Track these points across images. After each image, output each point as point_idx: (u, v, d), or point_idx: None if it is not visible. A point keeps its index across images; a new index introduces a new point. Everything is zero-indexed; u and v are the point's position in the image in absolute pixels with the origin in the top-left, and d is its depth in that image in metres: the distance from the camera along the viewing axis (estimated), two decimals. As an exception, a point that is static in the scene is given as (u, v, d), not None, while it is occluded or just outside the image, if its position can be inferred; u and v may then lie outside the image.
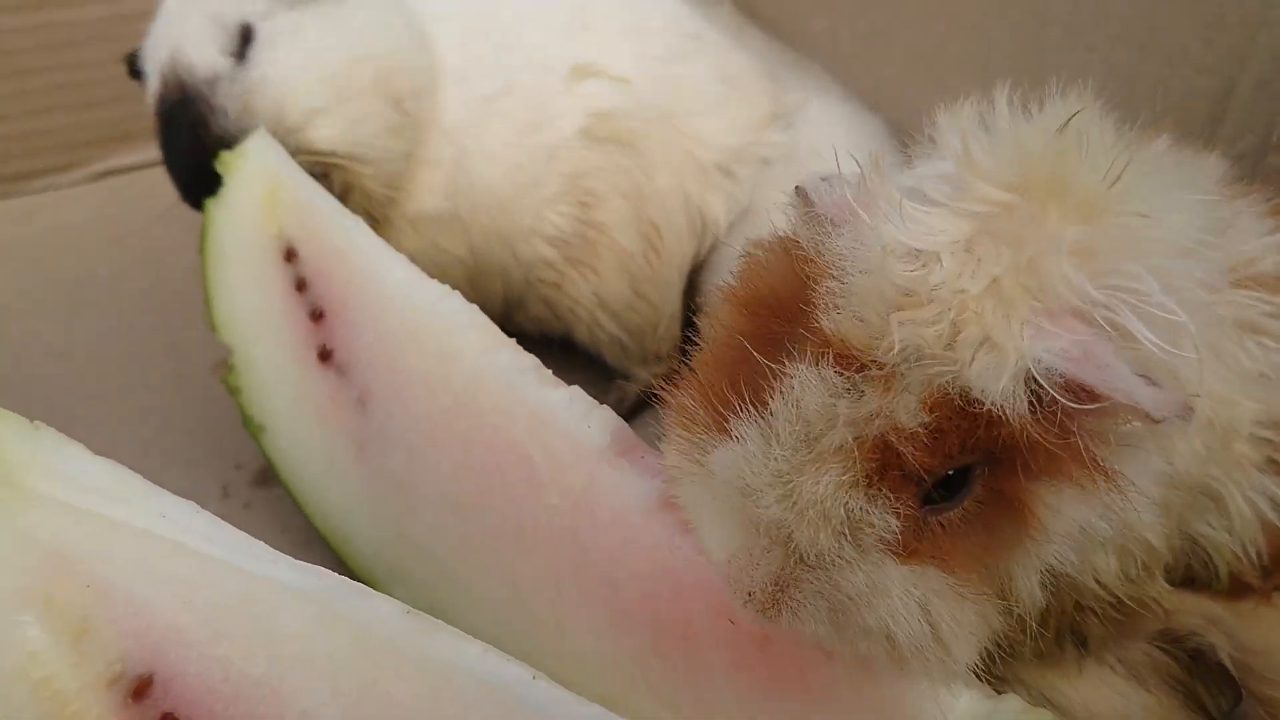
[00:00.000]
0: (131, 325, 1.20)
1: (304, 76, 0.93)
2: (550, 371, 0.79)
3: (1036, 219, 0.50)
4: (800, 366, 0.52)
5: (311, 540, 0.83)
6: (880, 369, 0.50)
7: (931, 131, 0.59)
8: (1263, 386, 0.63)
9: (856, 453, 0.51)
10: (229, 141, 0.90)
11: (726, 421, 0.56)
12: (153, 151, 1.38)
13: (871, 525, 0.51)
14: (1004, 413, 0.48)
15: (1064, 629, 0.67)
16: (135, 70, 1.01)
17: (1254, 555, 0.66)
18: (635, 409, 1.11)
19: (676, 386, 0.61)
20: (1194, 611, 0.67)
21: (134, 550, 0.61)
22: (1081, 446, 0.50)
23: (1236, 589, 0.68)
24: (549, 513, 0.73)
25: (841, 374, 0.51)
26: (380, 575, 0.79)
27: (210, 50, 0.92)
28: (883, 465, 0.51)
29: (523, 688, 0.59)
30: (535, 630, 0.72)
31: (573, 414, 0.76)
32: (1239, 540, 0.65)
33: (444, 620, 0.67)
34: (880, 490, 0.51)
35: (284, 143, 0.90)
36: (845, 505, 0.51)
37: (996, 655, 0.60)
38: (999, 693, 0.64)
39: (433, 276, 0.85)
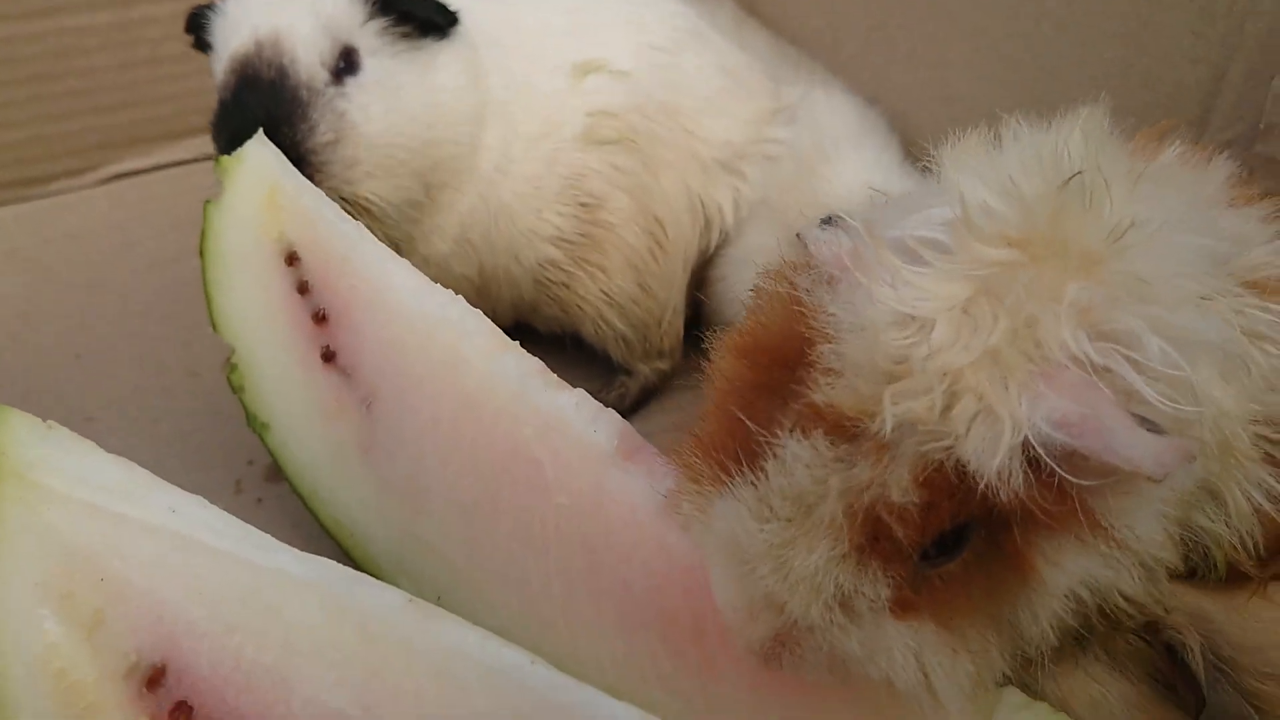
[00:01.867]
0: (144, 327, 1.21)
1: (383, 141, 0.94)
2: (556, 375, 0.81)
3: (1036, 277, 0.50)
4: (794, 437, 0.52)
5: (322, 535, 0.84)
6: (873, 438, 0.50)
7: (937, 166, 0.59)
8: (1265, 390, 0.62)
9: (847, 527, 0.51)
10: (297, 148, 0.91)
11: (727, 474, 0.56)
12: (162, 155, 1.42)
13: (863, 595, 0.52)
14: (1000, 486, 0.48)
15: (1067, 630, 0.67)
16: (195, 28, 1.00)
17: (1251, 546, 0.65)
18: (636, 405, 1.13)
19: (684, 440, 0.62)
20: (1184, 609, 0.67)
21: (146, 545, 0.63)
22: (1079, 507, 0.49)
23: (1233, 579, 0.67)
24: (558, 513, 0.74)
25: (834, 444, 0.51)
26: (387, 571, 0.80)
27: (314, 55, 0.93)
28: (874, 537, 0.51)
29: (522, 673, 0.60)
30: (544, 629, 0.73)
31: (580, 417, 0.77)
32: (1236, 532, 0.65)
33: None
34: (872, 562, 0.52)
35: (332, 178, 0.92)
36: (836, 579, 0.52)
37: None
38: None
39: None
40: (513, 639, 0.69)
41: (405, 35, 0.97)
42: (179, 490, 0.66)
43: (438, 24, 0.98)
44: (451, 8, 0.99)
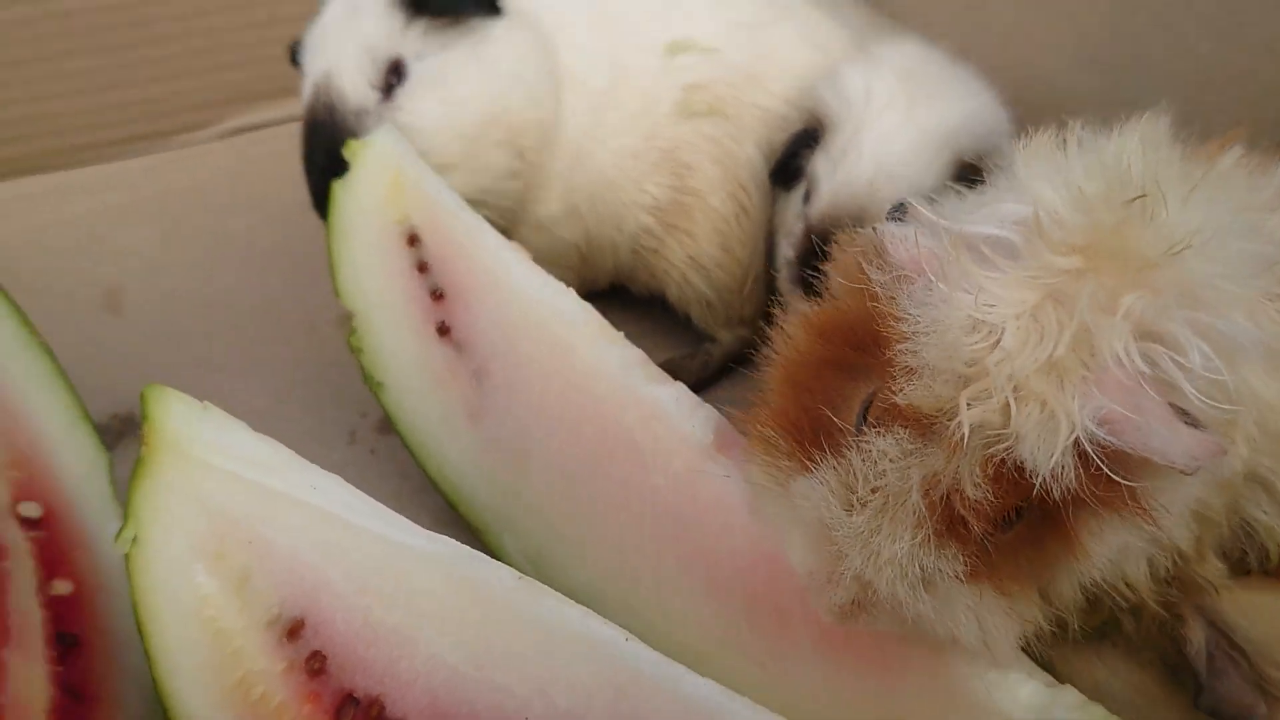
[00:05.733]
0: (265, 279, 1.26)
1: (442, 131, 0.99)
2: (657, 368, 0.86)
3: (1096, 287, 0.54)
4: (878, 433, 0.58)
5: (429, 488, 0.91)
6: (948, 432, 0.55)
7: (1009, 164, 0.63)
8: None
9: (928, 515, 0.57)
10: None
11: (805, 452, 0.62)
12: (277, 110, 1.48)
13: (942, 573, 0.58)
14: (1054, 483, 0.53)
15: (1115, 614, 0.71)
16: (295, 59, 1.07)
17: None
18: (719, 373, 1.17)
19: (756, 409, 0.67)
20: (1202, 602, 0.71)
21: (289, 515, 0.70)
22: (1125, 491, 0.54)
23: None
24: (654, 491, 0.80)
25: (913, 437, 0.56)
26: (491, 524, 0.87)
27: (361, 82, 0.99)
28: (950, 523, 0.57)
29: (618, 647, 0.66)
30: (636, 586, 0.79)
31: (678, 410, 0.83)
32: None
33: (549, 570, 0.77)
34: (949, 544, 0.57)
35: None
36: (920, 562, 0.57)
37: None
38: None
39: (549, 262, 0.92)
40: (604, 589, 0.77)
41: (450, 25, 1.01)
42: (319, 469, 0.72)
43: (478, 5, 1.02)
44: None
